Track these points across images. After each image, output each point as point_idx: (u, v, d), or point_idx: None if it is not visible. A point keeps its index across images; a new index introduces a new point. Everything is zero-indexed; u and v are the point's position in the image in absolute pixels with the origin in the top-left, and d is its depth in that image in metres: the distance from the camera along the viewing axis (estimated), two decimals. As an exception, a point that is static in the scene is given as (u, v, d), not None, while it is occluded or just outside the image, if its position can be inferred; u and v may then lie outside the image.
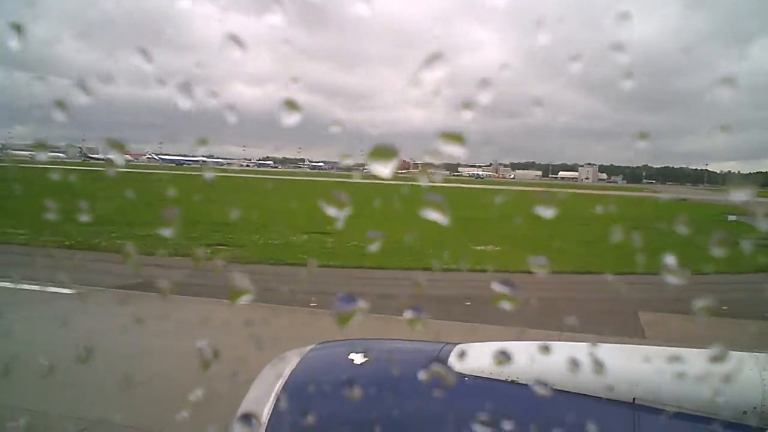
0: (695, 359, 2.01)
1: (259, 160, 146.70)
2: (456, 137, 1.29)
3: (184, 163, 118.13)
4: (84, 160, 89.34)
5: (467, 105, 1.37)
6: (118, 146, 1.49)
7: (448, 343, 2.34)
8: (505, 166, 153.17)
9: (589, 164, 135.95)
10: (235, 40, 1.36)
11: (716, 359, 1.82)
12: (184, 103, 1.48)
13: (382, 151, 1.24)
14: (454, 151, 1.28)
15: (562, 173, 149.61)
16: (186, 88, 1.47)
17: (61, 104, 1.46)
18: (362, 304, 1.42)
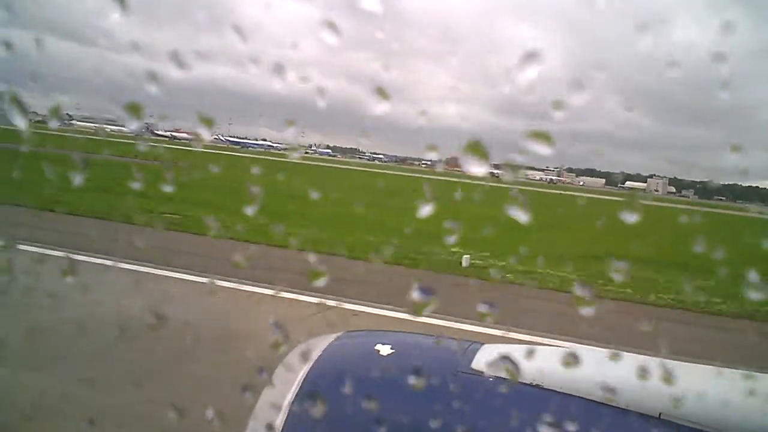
0: (727, 378, 2.11)
1: (321, 148, 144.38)
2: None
3: (249, 146, 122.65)
4: (149, 136, 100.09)
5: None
6: (207, 122, 1.43)
7: (474, 342, 2.36)
8: (570, 171, 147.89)
9: (657, 176, 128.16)
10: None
11: (750, 380, 1.98)
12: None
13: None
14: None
15: (629, 183, 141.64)
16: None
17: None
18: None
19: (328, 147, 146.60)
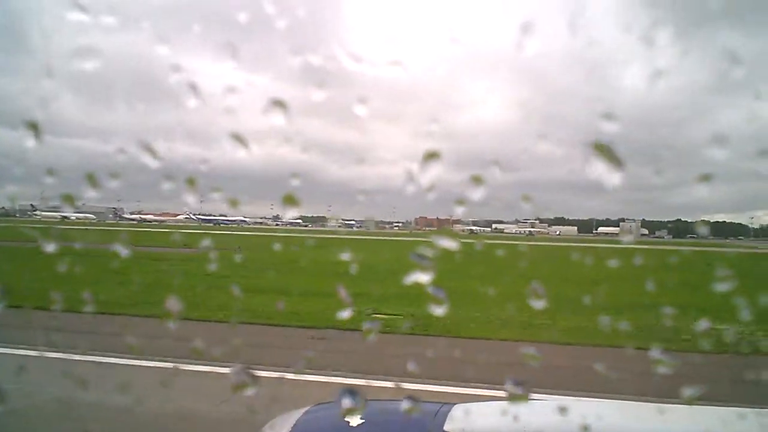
0: (700, 417, 2.14)
1: (291, 219, 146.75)
2: (478, 179, 1.38)
3: (221, 223, 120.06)
4: (118, 221, 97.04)
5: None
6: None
7: (445, 404, 2.40)
8: (542, 221, 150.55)
9: (629, 219, 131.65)
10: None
11: (723, 417, 2.06)
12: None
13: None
14: (476, 194, 1.42)
15: (602, 229, 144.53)
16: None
17: (91, 178, 1.51)
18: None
19: (298, 218, 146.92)
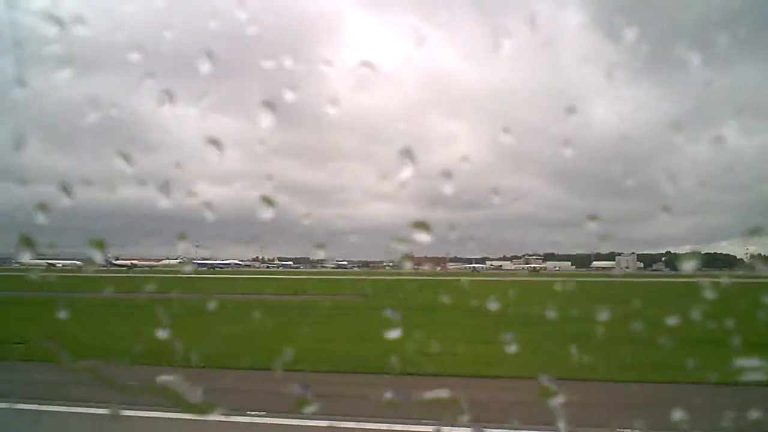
0: None
1: (282, 261, 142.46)
2: (424, 226, 1.50)
3: (216, 267, 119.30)
4: (109, 266, 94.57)
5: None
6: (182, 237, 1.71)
7: None
8: (538, 257, 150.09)
9: (625, 254, 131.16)
10: (213, 141, 1.52)
11: None
12: (167, 204, 1.66)
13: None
14: (423, 239, 1.53)
15: (596, 263, 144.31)
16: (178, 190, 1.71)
17: (43, 206, 1.52)
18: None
19: (289, 260, 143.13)
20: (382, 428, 6.47)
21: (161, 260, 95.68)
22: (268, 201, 1.53)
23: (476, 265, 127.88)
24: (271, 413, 7.02)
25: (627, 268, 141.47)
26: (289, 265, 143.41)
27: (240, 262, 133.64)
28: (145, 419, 6.79)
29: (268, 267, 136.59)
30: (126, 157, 1.54)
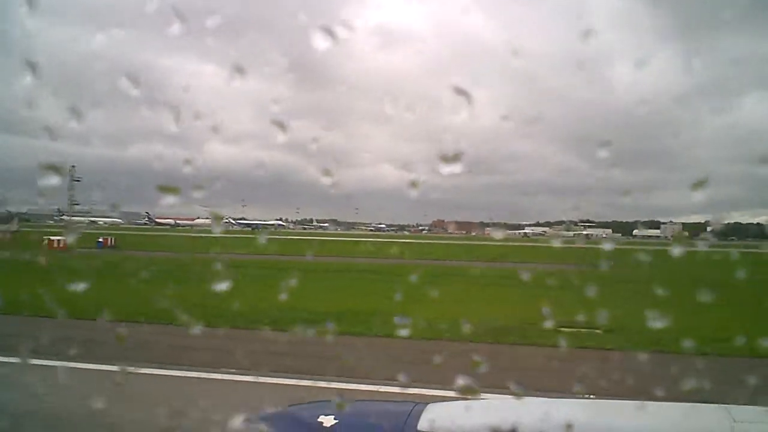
0: (670, 413, 2.14)
1: (320, 222, 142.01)
2: (455, 157, 1.53)
3: (258, 227, 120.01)
4: (152, 225, 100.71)
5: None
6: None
7: (418, 403, 2.40)
8: (576, 224, 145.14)
9: (672, 222, 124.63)
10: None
11: (690, 412, 2.07)
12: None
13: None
14: (455, 169, 1.55)
15: (639, 231, 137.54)
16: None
17: (52, 170, 1.64)
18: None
19: (324, 221, 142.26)
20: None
21: (194, 219, 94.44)
22: (327, 173, 1.68)
23: (528, 231, 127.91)
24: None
25: (673, 237, 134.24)
26: (326, 227, 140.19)
27: (283, 223, 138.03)
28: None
29: (305, 228, 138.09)
30: (175, 115, 1.71)
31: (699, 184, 1.66)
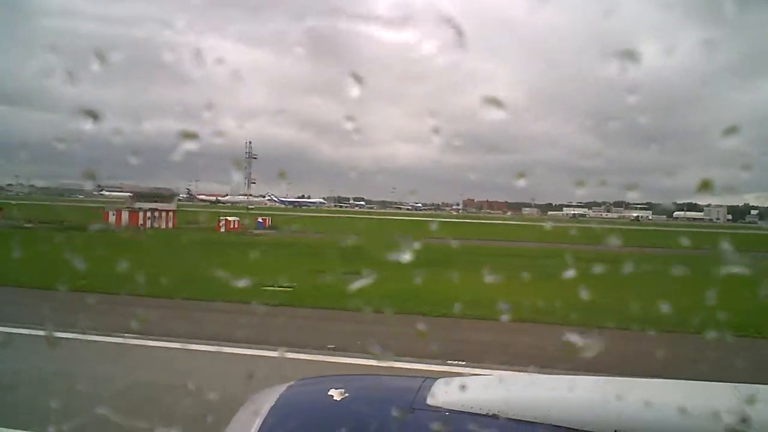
0: (675, 391, 2.16)
1: (353, 201, 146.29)
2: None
3: (302, 205, 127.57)
4: (194, 202, 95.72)
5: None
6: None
7: (428, 378, 2.37)
8: (599, 205, 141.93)
9: (717, 204, 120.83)
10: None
11: (696, 390, 2.06)
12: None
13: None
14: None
15: (679, 213, 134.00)
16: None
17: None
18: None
19: (358, 199, 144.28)
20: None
21: (224, 196, 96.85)
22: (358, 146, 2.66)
23: (576, 212, 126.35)
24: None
25: (717, 219, 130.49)
26: (362, 205, 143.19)
27: (324, 201, 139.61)
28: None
29: (341, 206, 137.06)
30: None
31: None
